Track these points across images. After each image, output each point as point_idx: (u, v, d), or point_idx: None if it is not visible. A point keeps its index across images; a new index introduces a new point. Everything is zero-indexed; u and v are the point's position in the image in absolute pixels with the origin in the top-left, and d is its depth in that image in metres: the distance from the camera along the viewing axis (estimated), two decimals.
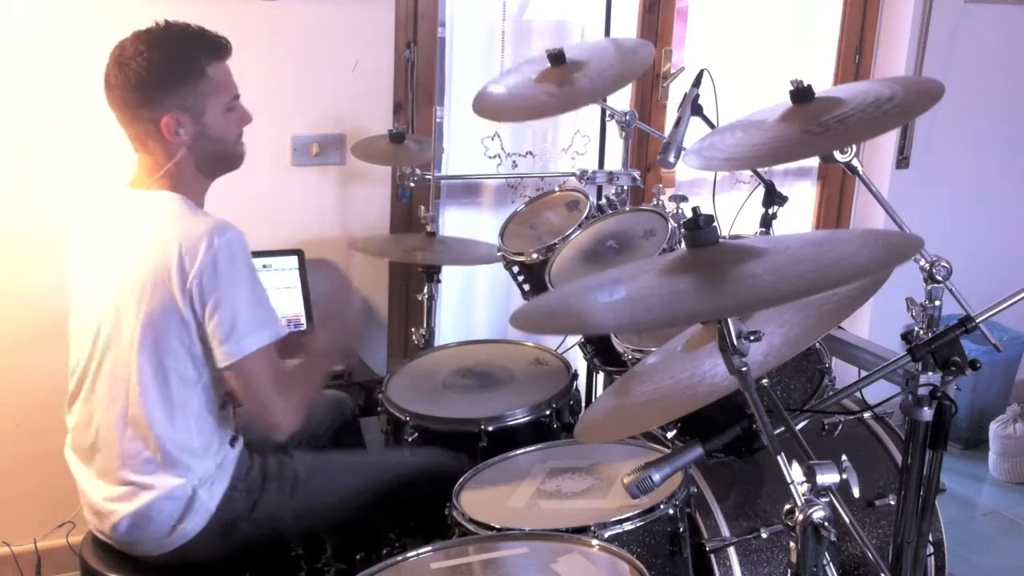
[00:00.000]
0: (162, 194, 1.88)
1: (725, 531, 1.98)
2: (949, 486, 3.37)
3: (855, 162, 1.80)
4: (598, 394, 2.84)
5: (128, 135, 1.90)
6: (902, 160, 3.69)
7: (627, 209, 2.57)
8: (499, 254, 2.56)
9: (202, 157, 1.91)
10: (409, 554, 1.63)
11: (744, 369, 1.28)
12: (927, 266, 1.72)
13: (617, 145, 2.73)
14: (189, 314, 1.79)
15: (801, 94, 1.75)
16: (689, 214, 1.48)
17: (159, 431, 1.84)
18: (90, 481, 1.93)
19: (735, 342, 1.27)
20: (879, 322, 3.63)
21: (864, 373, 1.88)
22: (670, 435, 1.97)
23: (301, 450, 2.13)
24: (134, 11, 2.55)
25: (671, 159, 2.29)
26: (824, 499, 1.26)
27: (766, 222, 2.36)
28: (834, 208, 3.81)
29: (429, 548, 1.64)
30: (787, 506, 1.27)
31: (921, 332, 1.72)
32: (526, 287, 2.55)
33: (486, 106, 2.51)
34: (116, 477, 1.88)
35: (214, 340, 1.81)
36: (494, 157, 3.22)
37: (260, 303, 1.85)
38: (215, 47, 1.89)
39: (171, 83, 1.85)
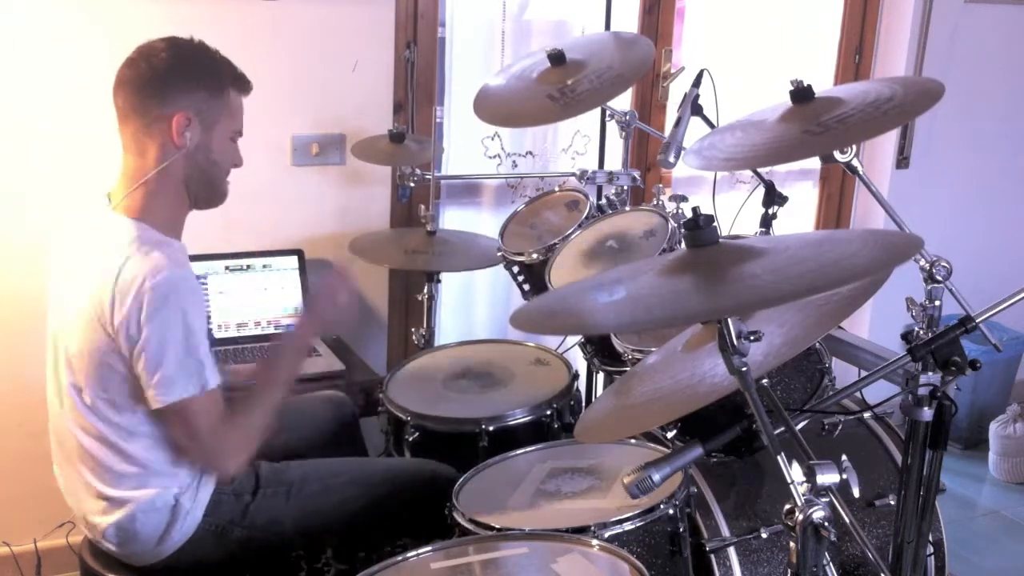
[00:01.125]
0: (123, 221, 1.80)
1: (725, 531, 1.97)
2: (949, 486, 3.37)
3: (855, 162, 1.79)
4: (598, 394, 2.84)
5: (124, 132, 1.84)
6: (902, 160, 3.69)
7: (627, 209, 2.57)
8: (499, 254, 2.56)
9: (193, 172, 1.84)
10: (409, 554, 1.62)
11: (744, 369, 1.28)
12: (927, 266, 1.72)
13: (617, 145, 2.74)
14: (121, 352, 1.75)
15: (801, 94, 1.75)
16: (689, 214, 1.48)
17: (123, 450, 1.82)
18: (73, 494, 1.93)
19: (735, 342, 1.27)
20: (879, 322, 3.63)
21: (864, 373, 1.88)
22: (670, 435, 1.97)
23: (300, 451, 2.12)
24: (134, 11, 2.56)
25: (671, 159, 2.29)
26: (824, 499, 1.26)
27: (766, 222, 2.36)
28: (834, 208, 3.81)
29: (429, 548, 1.64)
30: (787, 506, 1.27)
31: (921, 332, 1.72)
32: (526, 287, 2.55)
33: (488, 110, 2.50)
34: (93, 491, 1.86)
35: (143, 383, 1.75)
36: (494, 157, 3.22)
37: (191, 351, 1.75)
38: (239, 79, 1.88)
39: (192, 83, 1.82)
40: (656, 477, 1.45)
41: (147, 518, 1.84)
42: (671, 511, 1.78)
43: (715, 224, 1.31)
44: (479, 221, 3.24)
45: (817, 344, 1.96)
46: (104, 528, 1.87)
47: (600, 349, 2.43)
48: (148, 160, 1.82)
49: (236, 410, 1.84)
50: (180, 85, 1.81)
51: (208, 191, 1.90)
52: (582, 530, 1.69)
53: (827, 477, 1.25)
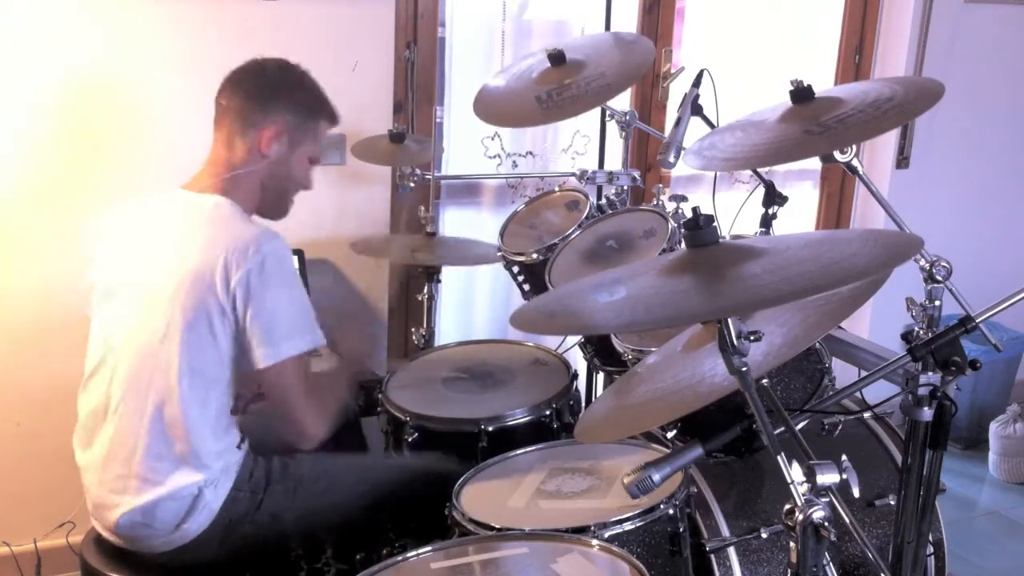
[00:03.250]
0: (213, 198, 1.93)
1: (725, 531, 1.98)
2: (949, 486, 3.37)
3: (855, 162, 1.79)
4: (598, 394, 2.84)
5: (220, 126, 1.98)
6: (902, 160, 3.69)
7: (627, 209, 2.57)
8: (499, 254, 2.56)
9: (271, 180, 1.99)
10: (409, 554, 1.63)
11: (744, 369, 1.28)
12: (927, 266, 1.72)
13: (617, 145, 2.73)
14: (228, 316, 1.83)
15: (801, 94, 1.75)
16: (689, 214, 1.48)
17: (188, 428, 1.86)
18: (96, 471, 1.93)
19: (735, 342, 1.27)
20: (879, 322, 3.63)
21: (864, 373, 1.88)
22: (670, 435, 1.97)
23: (303, 452, 2.13)
24: (134, 11, 2.56)
25: (671, 159, 2.29)
26: (824, 499, 1.26)
27: (766, 222, 2.35)
28: (834, 208, 3.81)
29: (429, 548, 1.64)
30: (787, 506, 1.27)
31: (921, 332, 1.72)
32: (526, 287, 2.55)
33: (487, 110, 2.50)
34: (129, 470, 1.88)
35: (254, 342, 1.85)
36: (494, 157, 3.22)
37: (302, 310, 1.92)
38: (332, 114, 2.09)
39: (292, 103, 2.00)
40: (656, 477, 1.45)
41: (169, 505, 1.87)
42: (671, 511, 1.78)
43: (715, 224, 1.31)
44: (479, 221, 3.24)
45: (817, 344, 1.96)
46: (123, 511, 1.88)
47: (600, 349, 2.43)
48: (235, 157, 1.97)
49: (319, 378, 1.96)
50: (282, 101, 1.99)
51: (276, 202, 2.05)
52: (582, 530, 1.69)
53: (827, 477, 1.25)
